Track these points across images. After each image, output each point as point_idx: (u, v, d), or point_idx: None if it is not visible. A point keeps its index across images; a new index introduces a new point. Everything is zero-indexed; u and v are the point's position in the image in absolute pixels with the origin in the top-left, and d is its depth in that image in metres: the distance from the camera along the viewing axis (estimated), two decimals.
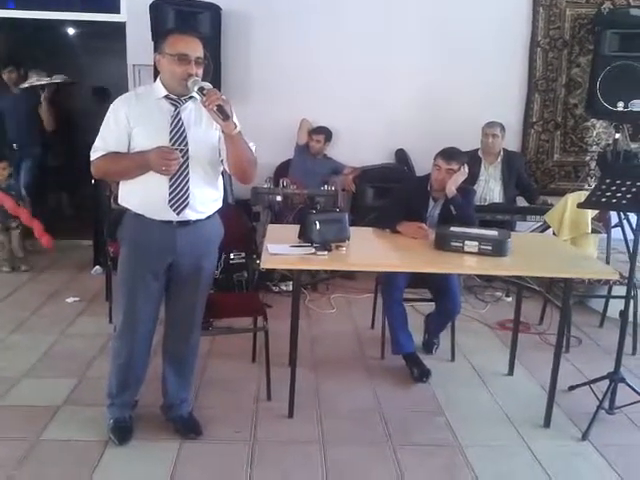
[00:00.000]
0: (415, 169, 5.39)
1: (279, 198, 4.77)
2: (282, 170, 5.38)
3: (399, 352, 3.43)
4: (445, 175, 3.39)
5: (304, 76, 5.38)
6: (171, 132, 2.40)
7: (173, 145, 2.38)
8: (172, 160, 2.33)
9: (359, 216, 4.72)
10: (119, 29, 5.37)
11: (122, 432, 2.65)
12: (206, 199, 2.52)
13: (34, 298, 4.43)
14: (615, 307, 3.87)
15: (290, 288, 4.36)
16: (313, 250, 2.84)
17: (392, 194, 3.89)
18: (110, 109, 2.44)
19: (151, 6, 4.85)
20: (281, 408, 2.95)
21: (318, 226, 2.90)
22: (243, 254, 4.21)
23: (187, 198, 2.44)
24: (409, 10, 5.35)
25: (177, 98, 2.43)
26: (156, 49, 2.52)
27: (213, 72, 4.91)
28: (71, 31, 7.97)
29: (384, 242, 3.29)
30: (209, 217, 2.56)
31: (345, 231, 3.02)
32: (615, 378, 2.97)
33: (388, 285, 3.43)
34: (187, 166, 2.42)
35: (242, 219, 3.75)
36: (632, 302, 3.67)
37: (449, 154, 3.42)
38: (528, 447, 2.76)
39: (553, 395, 2.93)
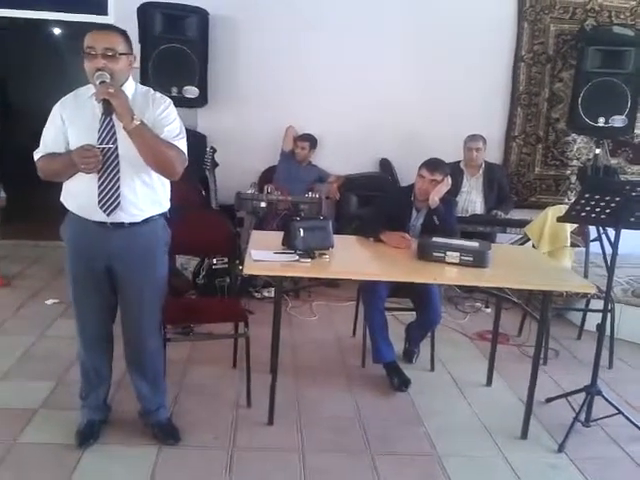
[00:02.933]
0: (399, 179, 5.43)
1: (263, 204, 4.77)
2: (267, 176, 5.39)
3: (379, 361, 3.45)
4: (429, 185, 3.43)
5: (291, 82, 5.40)
6: (99, 130, 2.35)
7: (101, 144, 2.33)
8: (89, 158, 2.28)
9: (343, 224, 4.74)
10: None
11: (84, 436, 2.64)
12: (141, 201, 2.44)
13: (13, 300, 4.37)
14: (593, 320, 3.92)
15: (272, 295, 4.35)
16: (296, 257, 2.85)
17: (376, 203, 3.92)
18: (52, 110, 2.43)
19: (139, 9, 4.85)
20: (261, 415, 2.94)
21: (302, 233, 2.91)
22: (226, 259, 4.20)
23: (117, 199, 2.37)
24: (395, 22, 5.40)
25: None
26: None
27: (199, 76, 4.93)
28: (56, 31, 7.93)
29: (367, 251, 3.31)
30: (147, 220, 2.47)
31: (329, 239, 3.04)
32: (591, 391, 3.01)
33: (370, 293, 3.44)
34: (117, 165, 2.36)
35: (226, 224, 3.73)
36: (609, 316, 3.72)
37: (433, 165, 3.46)
38: (505, 458, 2.78)
39: (530, 407, 2.96)
